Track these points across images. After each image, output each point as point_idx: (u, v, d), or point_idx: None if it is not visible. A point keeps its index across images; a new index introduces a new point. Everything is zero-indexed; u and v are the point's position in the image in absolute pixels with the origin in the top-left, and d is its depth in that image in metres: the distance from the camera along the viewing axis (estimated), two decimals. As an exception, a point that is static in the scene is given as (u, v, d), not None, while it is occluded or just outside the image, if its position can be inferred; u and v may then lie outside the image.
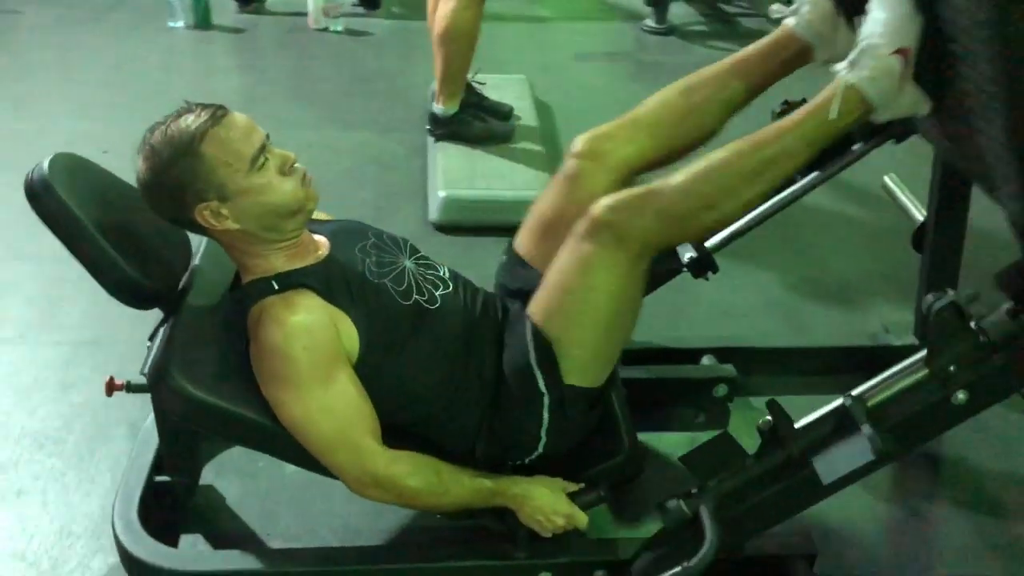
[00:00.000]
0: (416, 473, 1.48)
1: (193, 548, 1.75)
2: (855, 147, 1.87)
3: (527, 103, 3.37)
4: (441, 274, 1.66)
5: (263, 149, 1.45)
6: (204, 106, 1.45)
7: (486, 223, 2.71)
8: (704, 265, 1.96)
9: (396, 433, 1.53)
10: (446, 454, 1.55)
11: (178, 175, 1.41)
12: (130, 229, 1.54)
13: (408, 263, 1.62)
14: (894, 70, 1.37)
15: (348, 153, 3.18)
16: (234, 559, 1.62)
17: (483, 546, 1.63)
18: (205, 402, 1.47)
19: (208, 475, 1.87)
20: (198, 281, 1.66)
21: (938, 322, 1.33)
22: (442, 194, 2.80)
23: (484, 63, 3.13)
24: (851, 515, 1.88)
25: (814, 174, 1.91)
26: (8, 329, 2.30)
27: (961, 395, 1.36)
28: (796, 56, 1.65)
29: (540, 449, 1.57)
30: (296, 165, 1.48)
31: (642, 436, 2.03)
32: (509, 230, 1.76)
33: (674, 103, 1.67)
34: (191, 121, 1.43)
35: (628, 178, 1.64)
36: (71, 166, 1.52)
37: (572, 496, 1.56)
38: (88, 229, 1.45)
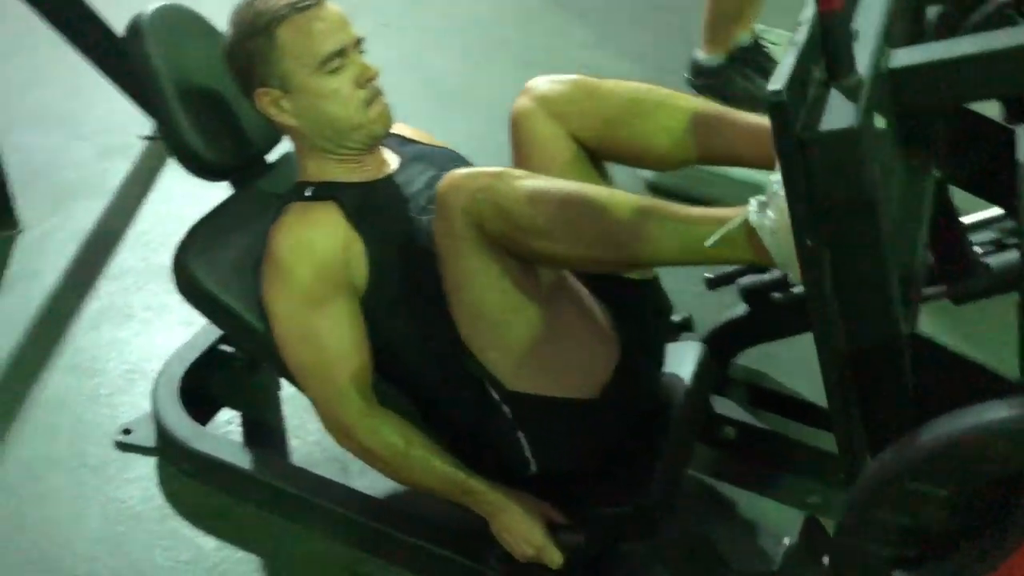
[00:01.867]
0: (382, 435, 1.34)
1: (227, 424, 1.76)
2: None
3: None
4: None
5: (342, 53, 1.35)
6: None
7: (704, 196, 2.38)
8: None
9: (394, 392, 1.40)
10: (445, 441, 1.39)
11: (250, 51, 1.36)
12: (215, 98, 1.50)
13: (471, 209, 1.44)
14: None
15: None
16: (227, 451, 1.60)
17: (465, 539, 1.47)
18: (207, 291, 1.43)
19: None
20: (284, 167, 1.61)
21: None
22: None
23: (786, 11, 2.68)
24: None
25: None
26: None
27: None
28: None
29: (534, 468, 1.36)
30: (374, 83, 1.36)
31: (738, 495, 1.73)
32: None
33: (643, 102, 1.38)
34: (279, 1, 1.34)
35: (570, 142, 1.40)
36: (176, 20, 1.50)
37: (554, 529, 1.34)
38: (162, 87, 1.43)
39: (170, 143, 1.46)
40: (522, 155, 1.42)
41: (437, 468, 1.34)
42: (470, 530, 1.46)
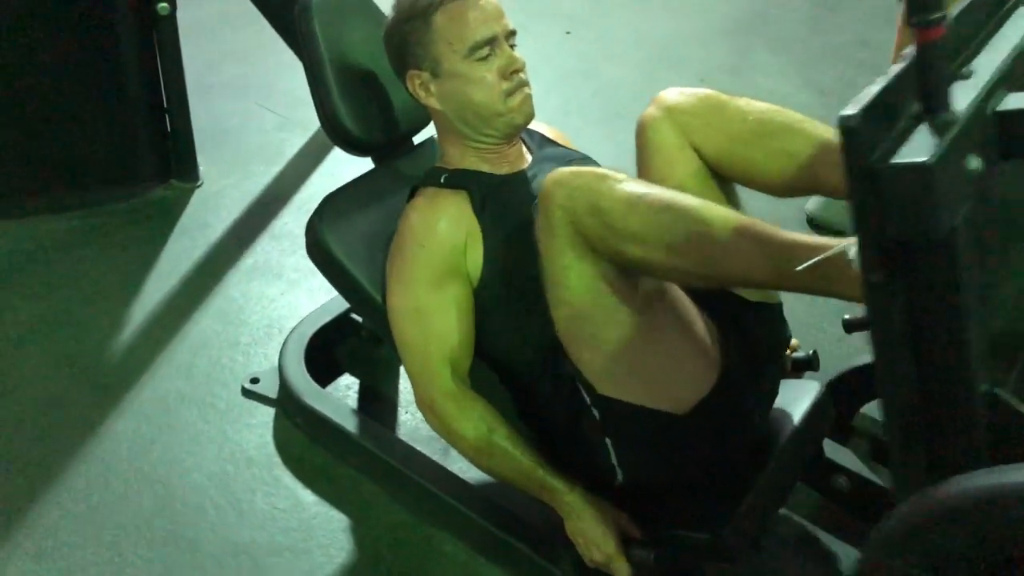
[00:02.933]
0: (468, 420, 1.36)
1: (346, 391, 1.84)
2: None
3: None
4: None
5: (492, 41, 1.38)
6: None
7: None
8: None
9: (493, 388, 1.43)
10: (533, 439, 1.40)
11: (406, 33, 1.42)
12: (371, 76, 1.58)
13: (592, 215, 1.44)
14: None
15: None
16: (337, 413, 1.67)
17: (543, 536, 1.47)
18: (334, 258, 1.50)
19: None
20: (428, 150, 1.67)
21: None
22: (829, 187, 2.40)
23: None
24: None
25: None
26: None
27: None
28: None
29: (620, 477, 1.34)
30: (520, 74, 1.40)
31: (841, 550, 1.63)
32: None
33: (770, 123, 1.34)
34: None
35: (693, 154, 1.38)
36: (346, 3, 1.58)
37: (628, 543, 1.32)
38: (322, 61, 1.52)
39: (321, 114, 1.54)
40: (644, 162, 1.41)
41: (518, 460, 1.35)
42: (548, 528, 1.46)
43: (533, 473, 1.35)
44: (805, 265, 1.05)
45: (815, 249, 1.06)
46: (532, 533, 1.47)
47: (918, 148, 0.82)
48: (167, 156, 2.31)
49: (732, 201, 1.49)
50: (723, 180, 1.44)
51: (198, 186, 2.36)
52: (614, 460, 1.32)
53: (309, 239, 1.53)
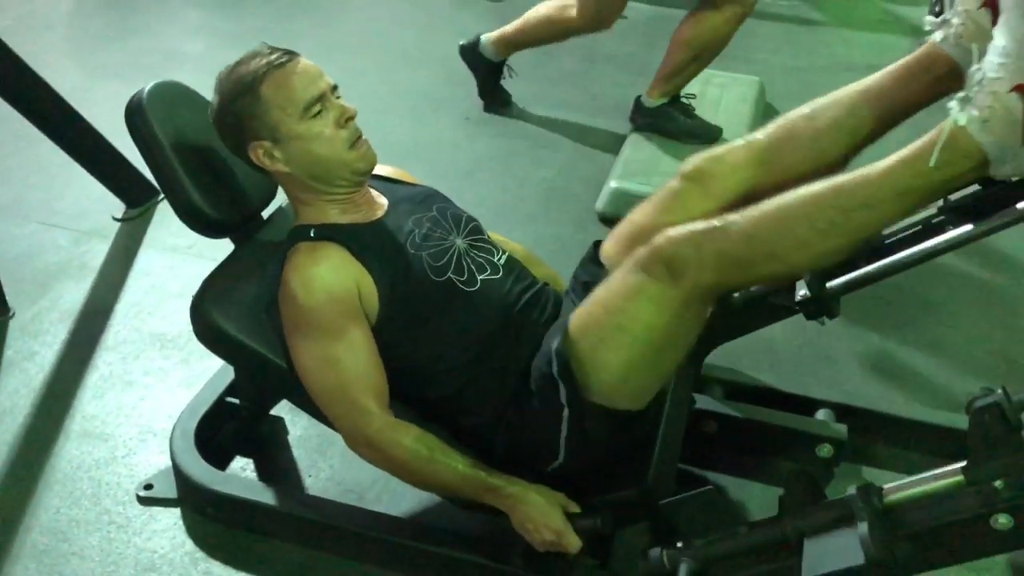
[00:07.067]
0: (406, 443, 1.45)
1: (241, 472, 1.85)
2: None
3: (748, 107, 3.15)
4: (495, 259, 1.61)
5: (321, 98, 1.49)
6: (275, 49, 1.51)
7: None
8: (820, 308, 1.73)
9: (413, 411, 1.53)
10: (465, 445, 1.52)
11: (237, 111, 1.49)
12: (212, 162, 1.63)
13: (459, 242, 1.59)
14: (1014, 112, 1.11)
15: (546, 130, 3.15)
16: (255, 491, 1.69)
17: (485, 544, 1.58)
18: (229, 335, 1.54)
19: (282, 408, 1.95)
20: (278, 220, 1.74)
21: (978, 425, 1.08)
22: (613, 184, 2.69)
23: (723, 57, 2.91)
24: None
25: (967, 227, 1.61)
26: (183, 239, 2.53)
27: (1003, 519, 1.10)
28: (941, 80, 1.42)
29: (559, 460, 1.49)
30: (353, 122, 1.51)
31: (726, 481, 1.87)
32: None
33: (795, 127, 1.53)
34: (256, 62, 1.49)
35: (734, 205, 1.49)
36: (172, 95, 1.63)
37: (570, 517, 1.47)
38: (166, 153, 1.56)
39: (175, 204, 1.58)
40: (667, 221, 1.44)
41: (460, 469, 1.46)
42: (489, 534, 1.58)
43: (475, 477, 1.47)
44: (935, 156, 1.16)
45: (928, 144, 1.19)
46: (476, 544, 1.57)
47: None
48: (-33, 294, 2.18)
49: None
50: None
51: (10, 317, 2.24)
52: (561, 447, 1.47)
53: (198, 323, 1.56)
